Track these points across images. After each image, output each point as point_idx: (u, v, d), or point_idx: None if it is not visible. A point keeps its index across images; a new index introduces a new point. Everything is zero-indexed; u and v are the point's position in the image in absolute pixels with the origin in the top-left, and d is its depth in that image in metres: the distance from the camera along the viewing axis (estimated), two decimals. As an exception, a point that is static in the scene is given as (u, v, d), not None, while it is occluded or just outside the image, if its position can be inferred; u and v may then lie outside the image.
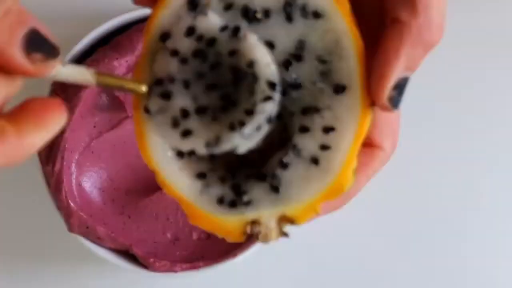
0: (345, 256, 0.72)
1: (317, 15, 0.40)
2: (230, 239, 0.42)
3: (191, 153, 0.41)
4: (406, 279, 0.72)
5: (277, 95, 0.40)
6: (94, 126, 0.68)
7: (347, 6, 0.40)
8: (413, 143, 0.72)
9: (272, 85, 0.39)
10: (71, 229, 0.66)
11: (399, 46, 0.39)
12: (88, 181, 0.68)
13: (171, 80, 0.40)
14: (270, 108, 0.39)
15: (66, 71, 0.38)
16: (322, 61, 0.40)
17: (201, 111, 0.40)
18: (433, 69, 0.69)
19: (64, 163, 0.66)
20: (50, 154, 0.66)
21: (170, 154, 0.41)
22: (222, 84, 0.40)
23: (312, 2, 0.40)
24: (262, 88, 0.39)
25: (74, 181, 0.67)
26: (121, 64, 0.66)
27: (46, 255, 0.71)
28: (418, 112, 0.71)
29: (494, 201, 0.72)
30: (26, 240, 0.71)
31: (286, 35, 0.40)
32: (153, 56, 0.40)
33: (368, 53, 0.40)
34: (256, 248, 0.67)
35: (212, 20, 0.39)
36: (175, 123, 0.40)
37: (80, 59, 0.68)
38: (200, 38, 0.40)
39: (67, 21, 0.71)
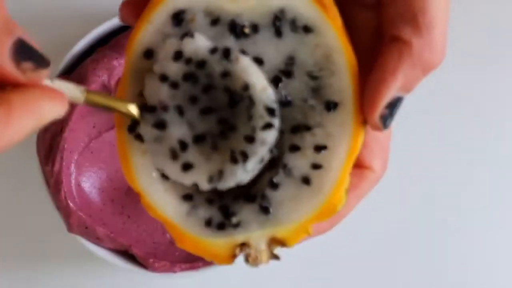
0: (345, 256, 0.71)
1: (307, 29, 0.38)
2: (219, 262, 0.40)
3: None
4: (405, 280, 0.72)
5: (277, 122, 0.38)
6: (94, 126, 0.68)
7: (338, 20, 0.39)
8: (408, 145, 0.72)
9: (271, 111, 0.38)
10: (70, 229, 0.66)
11: (397, 65, 0.38)
12: (87, 181, 0.68)
13: (164, 108, 0.38)
14: (271, 138, 0.38)
15: (54, 86, 0.37)
16: (312, 77, 0.39)
17: (199, 139, 0.38)
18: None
19: (64, 163, 0.66)
20: (49, 154, 0.66)
21: (155, 175, 0.40)
22: (217, 107, 0.38)
23: (302, 16, 0.38)
24: (260, 113, 0.38)
25: (73, 181, 0.67)
26: (120, 64, 0.66)
27: (45, 255, 0.71)
28: (413, 111, 0.71)
29: (492, 202, 0.72)
30: (26, 240, 0.71)
31: (275, 51, 0.39)
32: (137, 74, 0.39)
33: (360, 70, 0.39)
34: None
35: (200, 43, 0.38)
36: (174, 155, 0.38)
37: (80, 59, 0.68)
38: (189, 61, 0.38)
39: (67, 21, 0.71)
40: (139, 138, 0.40)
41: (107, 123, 0.68)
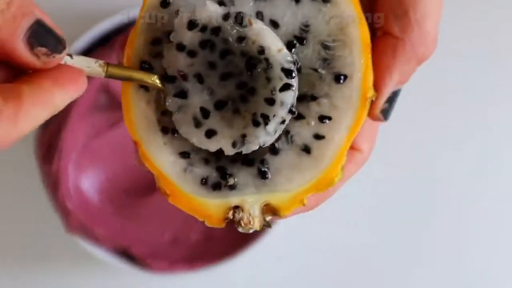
0: (344, 256, 0.71)
1: None
2: (210, 223, 0.40)
3: (176, 130, 0.39)
4: (401, 273, 0.72)
5: (295, 82, 0.38)
6: (92, 126, 0.68)
7: None
8: (398, 142, 0.72)
9: (288, 72, 0.38)
10: (68, 229, 0.66)
11: (392, 64, 0.39)
12: (86, 182, 0.68)
13: (184, 77, 0.39)
14: (290, 99, 0.38)
15: (74, 62, 0.37)
16: (325, 46, 0.39)
17: (220, 105, 0.39)
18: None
19: (62, 163, 0.66)
20: (48, 155, 0.66)
21: (156, 127, 0.39)
22: (236, 71, 0.39)
23: None
24: (277, 74, 0.38)
25: (72, 181, 0.67)
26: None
27: (44, 255, 0.71)
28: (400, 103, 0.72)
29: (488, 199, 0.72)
30: (24, 241, 0.71)
31: (291, 16, 0.39)
32: (151, 23, 0.39)
33: None
34: (254, 249, 0.67)
35: (212, 9, 0.38)
36: (197, 123, 0.39)
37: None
38: (204, 28, 0.38)
39: (66, 20, 0.71)
40: (144, 86, 0.40)
41: (106, 123, 0.68)
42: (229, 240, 0.68)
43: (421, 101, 0.71)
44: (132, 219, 0.68)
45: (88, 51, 0.68)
